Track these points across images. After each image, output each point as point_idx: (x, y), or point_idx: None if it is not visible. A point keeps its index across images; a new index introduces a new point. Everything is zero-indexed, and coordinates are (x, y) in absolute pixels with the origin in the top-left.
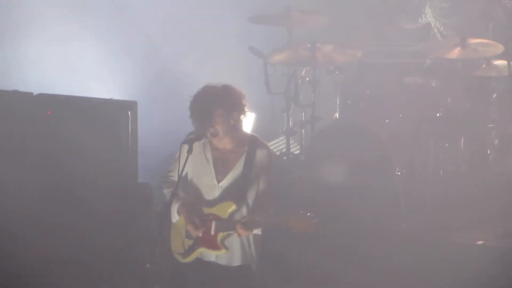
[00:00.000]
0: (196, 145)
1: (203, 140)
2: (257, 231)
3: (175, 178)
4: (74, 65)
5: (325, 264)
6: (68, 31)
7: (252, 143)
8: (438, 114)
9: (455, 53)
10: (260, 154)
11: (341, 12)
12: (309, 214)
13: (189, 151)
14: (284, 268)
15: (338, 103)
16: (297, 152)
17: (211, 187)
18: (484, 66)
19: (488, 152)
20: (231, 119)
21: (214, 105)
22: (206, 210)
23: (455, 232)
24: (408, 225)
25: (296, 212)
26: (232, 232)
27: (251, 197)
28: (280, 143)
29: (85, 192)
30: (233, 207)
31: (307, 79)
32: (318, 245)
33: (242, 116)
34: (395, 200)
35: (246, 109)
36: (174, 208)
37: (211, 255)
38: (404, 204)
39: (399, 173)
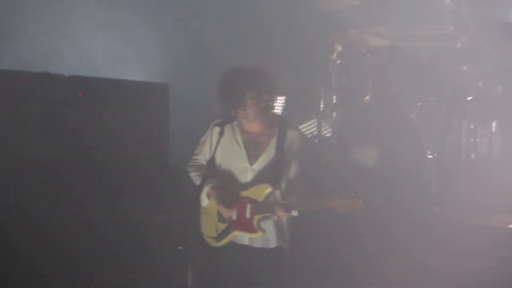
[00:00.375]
0: (226, 128)
1: (233, 122)
2: (294, 213)
3: (202, 161)
4: (106, 47)
5: (355, 247)
6: (100, 16)
7: (282, 125)
8: (469, 98)
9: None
10: (291, 136)
11: None
12: (353, 194)
13: (221, 134)
14: (313, 249)
15: (369, 86)
16: (328, 135)
17: (243, 170)
18: None
19: None
20: (261, 101)
21: (244, 87)
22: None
23: (487, 215)
24: (439, 209)
25: (340, 192)
26: (269, 214)
27: (284, 179)
28: (312, 126)
29: (116, 175)
30: (269, 189)
31: (338, 62)
32: (349, 228)
33: (273, 99)
34: (426, 183)
35: (277, 91)
36: (204, 191)
37: (245, 238)
38: (435, 188)
39: (430, 157)
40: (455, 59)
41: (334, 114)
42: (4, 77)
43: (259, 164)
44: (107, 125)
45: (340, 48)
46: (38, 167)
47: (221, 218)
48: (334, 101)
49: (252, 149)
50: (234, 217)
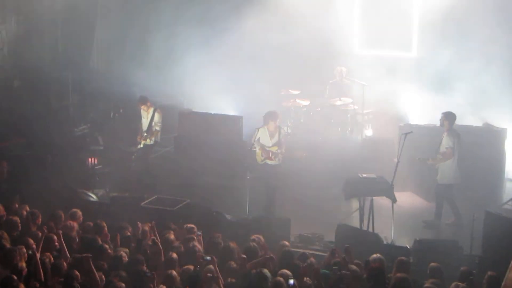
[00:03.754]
0: (262, 130)
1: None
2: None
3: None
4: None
5: None
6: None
7: (279, 126)
8: None
9: None
10: (282, 131)
11: None
12: None
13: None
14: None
15: None
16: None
17: (268, 142)
18: None
19: None
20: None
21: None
22: (268, 149)
23: None
24: None
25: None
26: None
27: (279, 144)
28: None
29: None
30: (277, 147)
31: None
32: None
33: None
34: None
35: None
36: (257, 148)
37: (269, 161)
38: None
39: None
40: None
41: None
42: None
43: (274, 140)
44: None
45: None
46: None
47: (262, 156)
48: None
49: (271, 136)
50: (266, 156)
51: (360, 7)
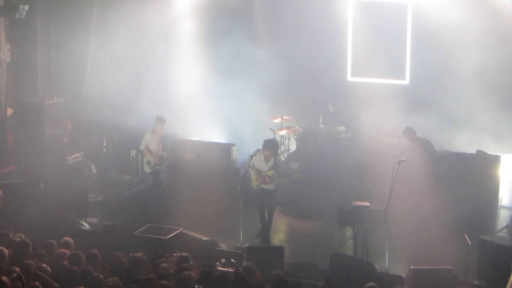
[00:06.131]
0: (257, 154)
1: (260, 152)
2: (279, 178)
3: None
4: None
5: None
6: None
7: (276, 152)
8: None
9: None
10: (277, 158)
11: None
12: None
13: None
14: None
15: None
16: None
17: (263, 166)
18: None
19: None
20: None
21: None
22: (263, 173)
23: None
24: None
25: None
26: (275, 178)
27: (275, 168)
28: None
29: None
30: (273, 172)
31: None
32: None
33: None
34: None
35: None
36: (252, 173)
37: (264, 186)
38: None
39: None
40: None
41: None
42: None
43: (269, 165)
44: None
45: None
46: None
47: (258, 181)
48: None
49: (266, 161)
50: (262, 180)
51: (353, 36)
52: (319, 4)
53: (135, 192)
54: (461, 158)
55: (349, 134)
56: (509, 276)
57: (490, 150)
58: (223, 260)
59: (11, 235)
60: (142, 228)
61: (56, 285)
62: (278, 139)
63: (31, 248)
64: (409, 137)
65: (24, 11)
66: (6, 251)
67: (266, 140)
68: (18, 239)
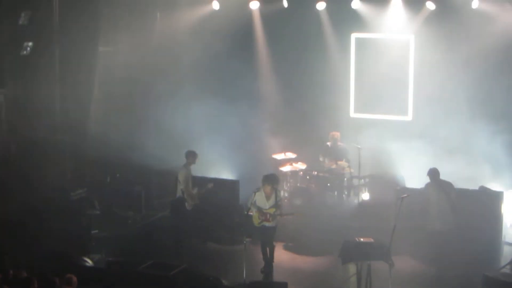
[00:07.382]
0: (258, 193)
1: (261, 189)
2: (279, 216)
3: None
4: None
5: None
6: None
7: (276, 188)
8: None
9: None
10: (278, 193)
11: None
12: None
13: (256, 191)
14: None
15: None
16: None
17: (265, 204)
18: None
19: None
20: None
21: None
22: (265, 211)
23: None
24: None
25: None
26: (277, 216)
27: (277, 206)
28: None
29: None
30: (274, 209)
31: None
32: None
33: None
34: None
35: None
36: (253, 211)
37: (266, 224)
38: None
39: None
40: None
41: None
42: None
43: (270, 202)
44: None
45: None
46: None
47: (259, 218)
48: None
49: (267, 198)
50: (264, 218)
51: (356, 73)
52: (322, 39)
53: (139, 228)
54: (464, 195)
55: (352, 170)
56: None
57: (493, 187)
58: None
59: (11, 272)
60: (146, 264)
61: None
62: (281, 174)
63: (36, 285)
64: (432, 178)
65: (28, 48)
66: None
67: (265, 175)
68: (23, 276)
